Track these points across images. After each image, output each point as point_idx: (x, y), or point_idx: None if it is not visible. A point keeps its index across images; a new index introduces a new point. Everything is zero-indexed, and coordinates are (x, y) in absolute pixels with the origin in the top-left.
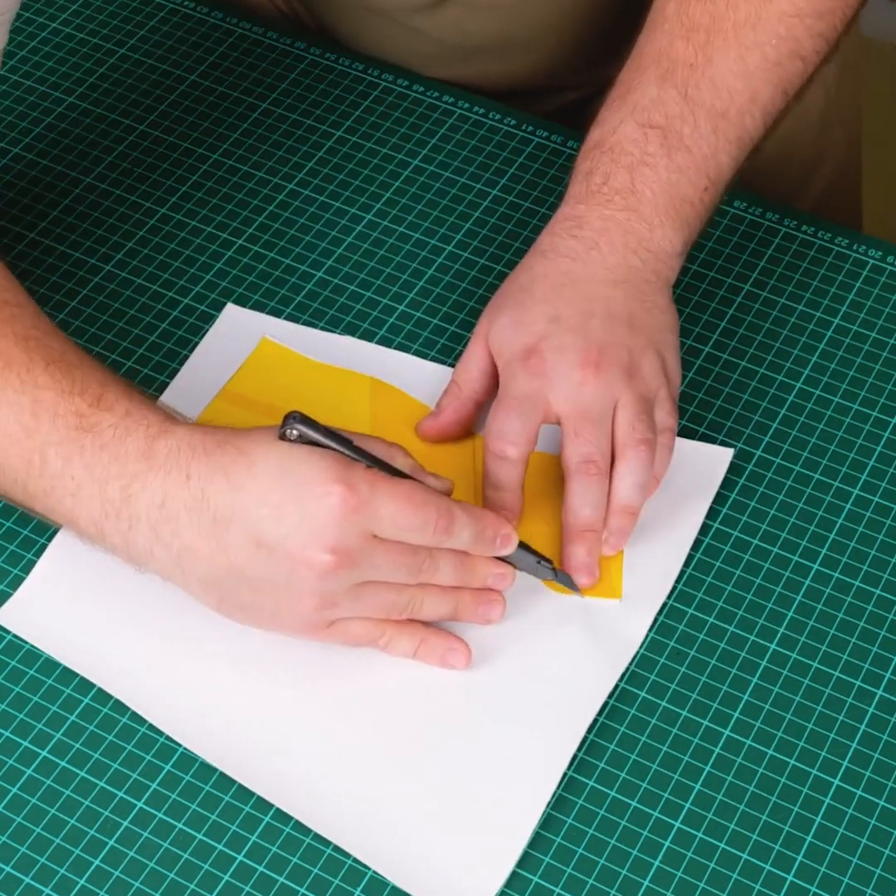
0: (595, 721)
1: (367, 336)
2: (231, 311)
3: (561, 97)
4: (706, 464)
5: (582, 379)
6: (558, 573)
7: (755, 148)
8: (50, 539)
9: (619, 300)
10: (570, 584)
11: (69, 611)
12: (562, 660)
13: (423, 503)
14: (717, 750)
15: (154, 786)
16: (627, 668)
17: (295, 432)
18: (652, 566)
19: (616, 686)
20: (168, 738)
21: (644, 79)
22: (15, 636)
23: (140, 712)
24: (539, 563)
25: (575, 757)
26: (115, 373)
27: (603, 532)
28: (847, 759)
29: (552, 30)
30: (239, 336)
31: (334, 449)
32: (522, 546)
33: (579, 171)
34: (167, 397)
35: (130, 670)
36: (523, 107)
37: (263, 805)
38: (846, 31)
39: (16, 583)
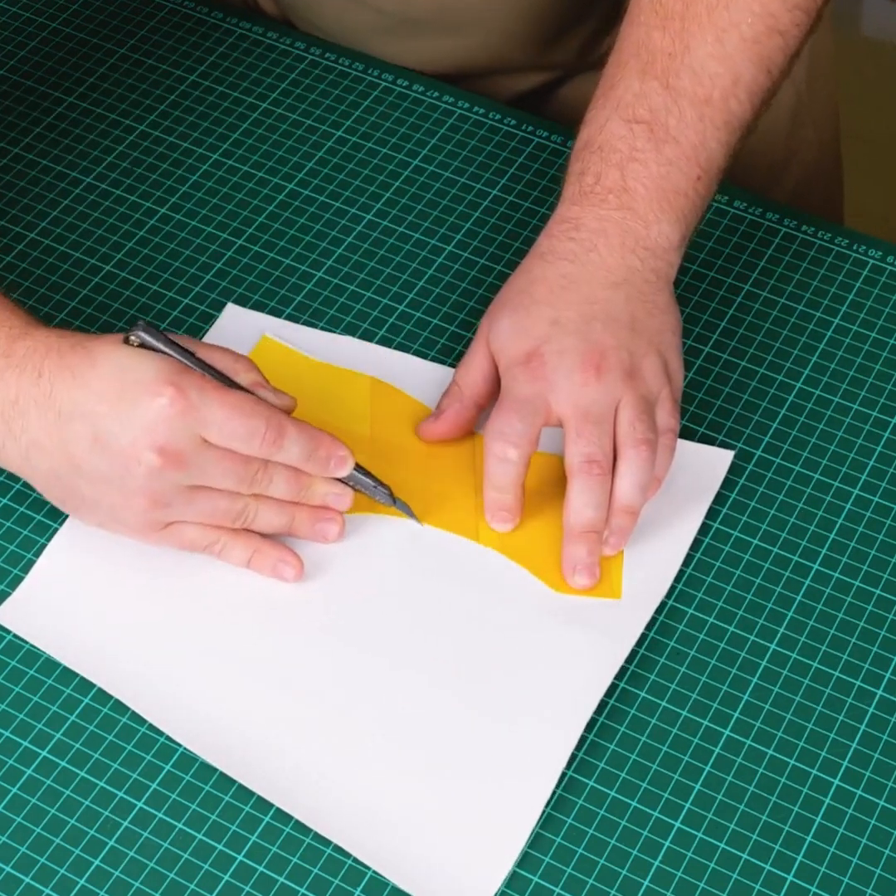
0: (595, 721)
1: (367, 336)
2: (232, 310)
3: (515, 82)
4: (706, 466)
5: (583, 381)
6: (396, 500)
7: (747, 129)
8: (50, 539)
9: (619, 302)
10: (408, 512)
11: (68, 610)
12: (559, 659)
13: (252, 413)
14: (717, 750)
15: (154, 786)
16: (627, 669)
17: (137, 339)
18: (650, 567)
19: (616, 686)
20: (168, 738)
21: (626, 73)
22: (15, 636)
23: (139, 712)
24: (375, 487)
25: (575, 757)
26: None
27: (604, 532)
28: (847, 759)
29: (498, 4)
30: (239, 335)
31: (174, 357)
32: (359, 469)
33: (572, 172)
34: None
35: (129, 670)
36: (480, 91)
37: (263, 805)
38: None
39: (15, 583)
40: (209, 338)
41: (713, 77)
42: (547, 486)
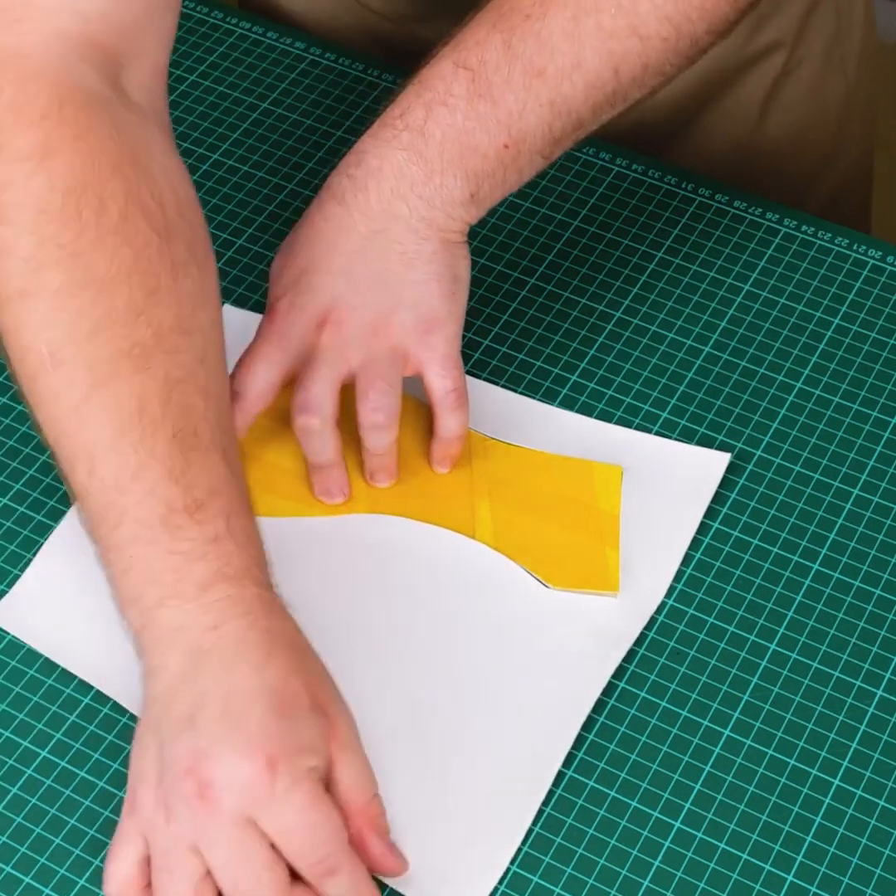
0: (595, 721)
1: None
2: (228, 312)
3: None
4: (702, 468)
5: (315, 340)
6: None
7: (577, 121)
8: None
9: (372, 253)
10: None
11: (62, 610)
12: (557, 660)
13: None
14: (717, 750)
15: None
16: (627, 669)
17: None
18: (648, 568)
19: (616, 686)
20: None
21: (481, 20)
22: (15, 636)
23: (133, 710)
24: None
25: (574, 757)
26: (237, 469)
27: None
28: (847, 760)
29: None
30: (235, 337)
31: None
32: None
33: (392, 100)
34: None
35: (121, 666)
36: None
37: None
38: (718, 34)
39: (15, 582)
40: None
41: (555, 52)
42: (544, 484)
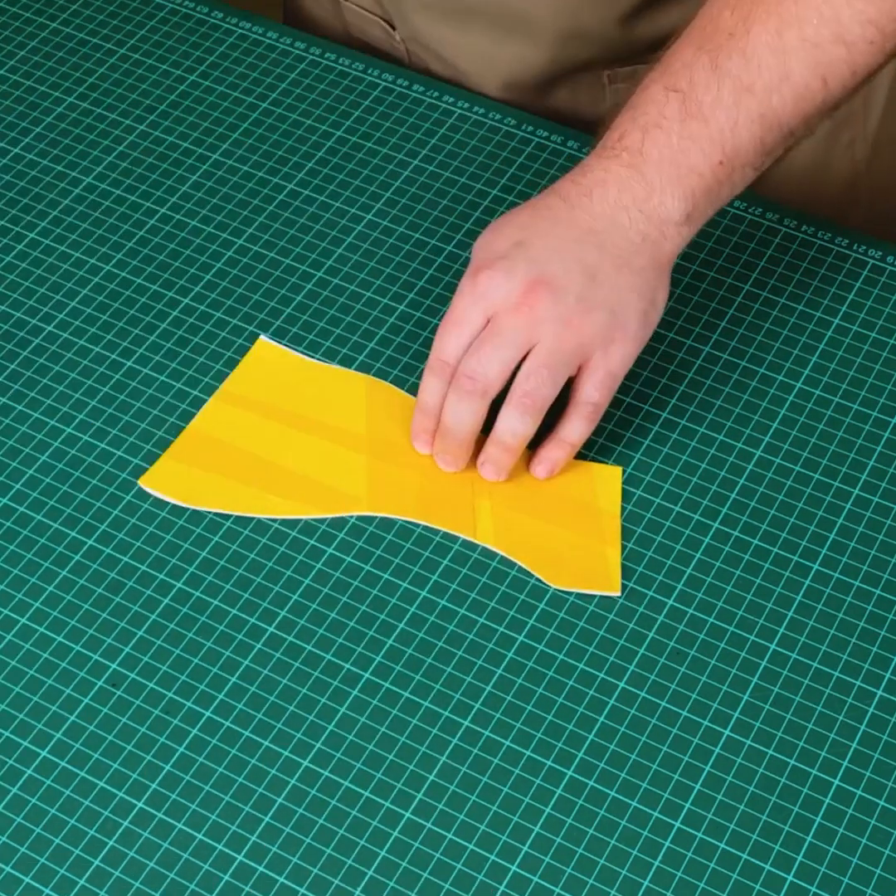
0: (595, 721)
1: (367, 336)
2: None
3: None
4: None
5: (517, 306)
6: None
7: (787, 132)
8: (49, 538)
9: (590, 248)
10: None
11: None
12: None
13: None
14: (717, 750)
15: (154, 786)
16: (627, 669)
17: None
18: None
19: (616, 686)
20: (168, 738)
21: (685, 43)
22: (13, 637)
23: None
24: None
25: (574, 757)
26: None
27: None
28: (847, 760)
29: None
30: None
31: None
32: None
33: (609, 126)
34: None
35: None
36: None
37: (263, 805)
38: None
39: (15, 582)
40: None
41: (762, 67)
42: (544, 484)
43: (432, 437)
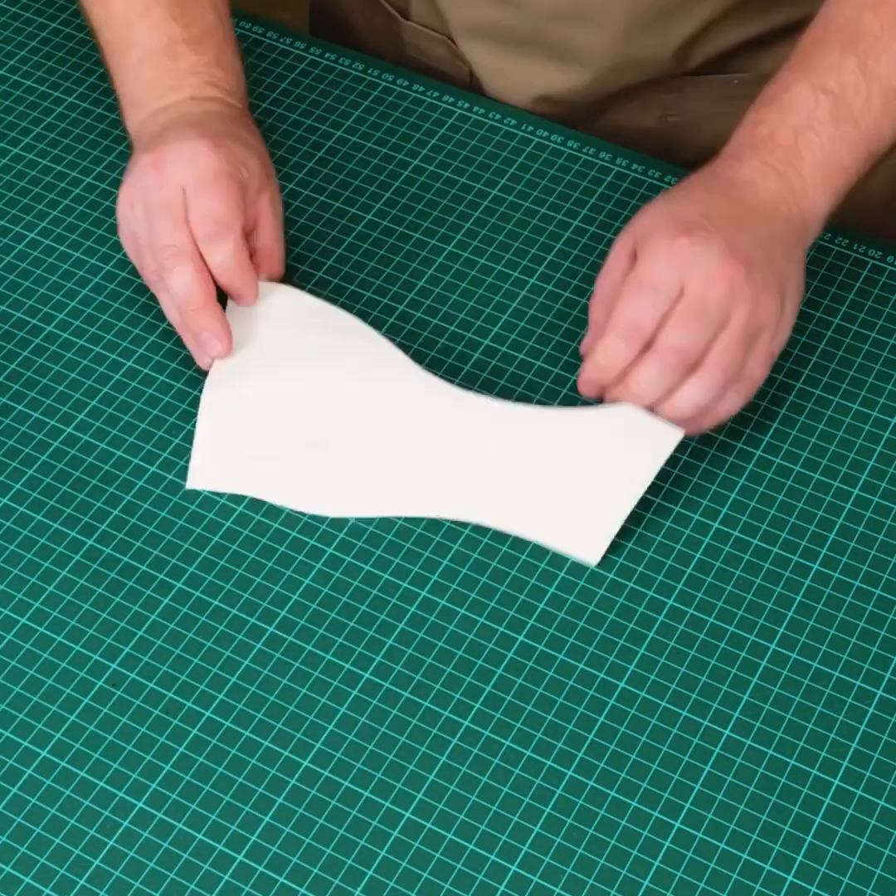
0: (595, 720)
1: None
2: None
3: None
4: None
5: (716, 279)
6: None
7: None
8: (49, 537)
9: (764, 232)
10: None
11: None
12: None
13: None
14: (717, 750)
15: (154, 786)
16: (627, 669)
17: None
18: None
19: (616, 686)
20: (168, 738)
21: (827, 45)
22: (13, 637)
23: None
24: None
25: (574, 757)
26: (224, 19)
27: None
28: (847, 760)
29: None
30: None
31: None
32: None
33: (747, 122)
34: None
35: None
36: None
37: (263, 805)
38: None
39: (14, 582)
40: None
41: None
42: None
43: (603, 391)
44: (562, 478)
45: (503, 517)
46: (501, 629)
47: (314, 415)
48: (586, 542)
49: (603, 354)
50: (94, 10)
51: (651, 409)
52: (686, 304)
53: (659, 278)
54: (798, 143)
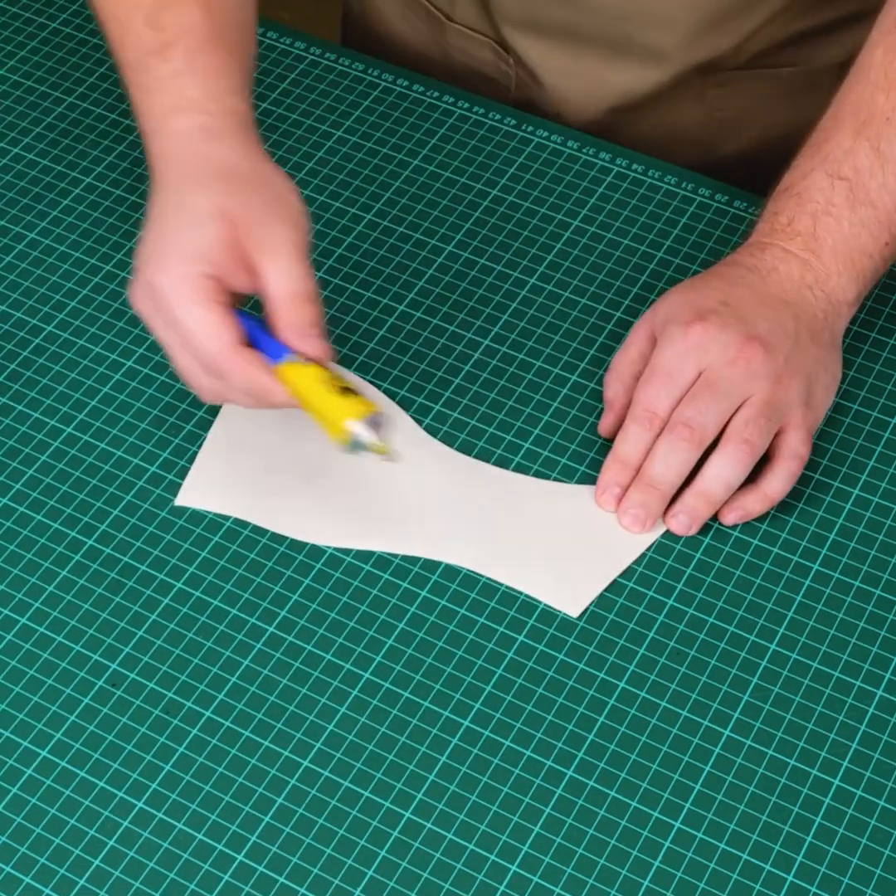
0: (595, 721)
1: (367, 336)
2: None
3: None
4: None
5: (732, 360)
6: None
7: None
8: (50, 538)
9: (788, 317)
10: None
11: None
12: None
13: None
14: (717, 750)
15: (154, 786)
16: (627, 669)
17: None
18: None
19: (616, 686)
20: (168, 738)
21: (840, 128)
22: (13, 637)
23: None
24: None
25: (574, 757)
26: (216, 12)
27: (674, 506)
28: (847, 760)
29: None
30: None
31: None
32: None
33: (767, 211)
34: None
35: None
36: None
37: (263, 805)
38: None
39: (13, 576)
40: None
41: None
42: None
43: (624, 491)
44: (552, 539)
45: (488, 565)
46: (501, 629)
47: (313, 458)
48: (568, 599)
49: (621, 447)
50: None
51: (683, 496)
52: (700, 384)
53: (674, 365)
54: (817, 229)
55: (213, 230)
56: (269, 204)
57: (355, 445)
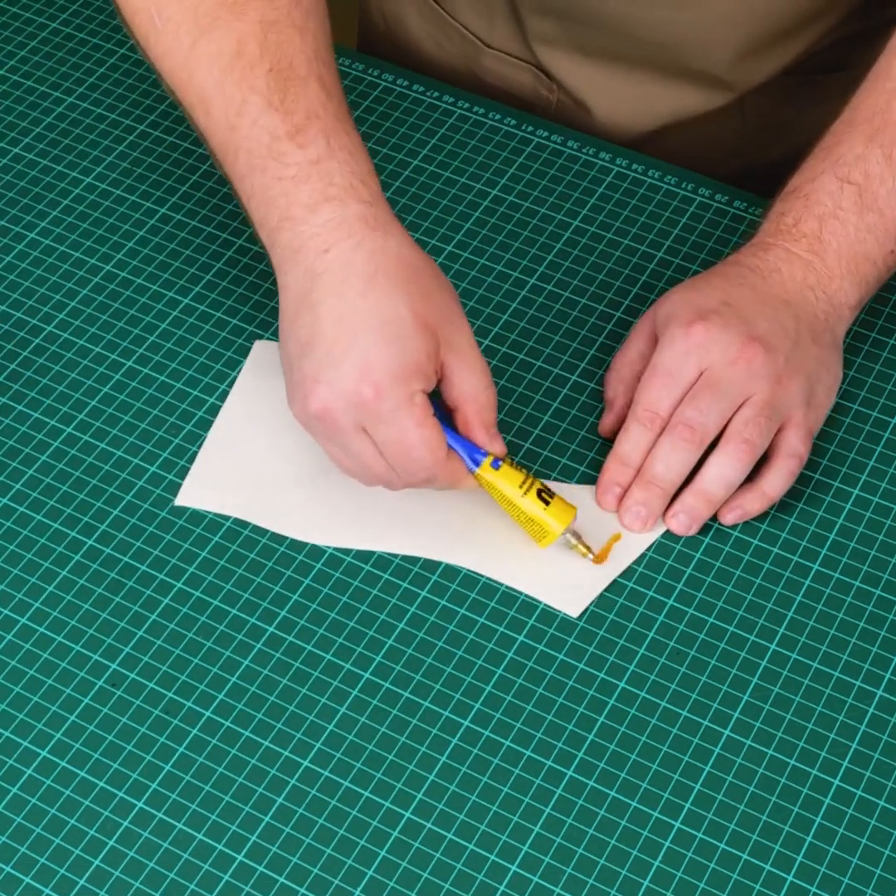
0: (595, 721)
1: None
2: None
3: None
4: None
5: (733, 360)
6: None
7: None
8: (49, 539)
9: (789, 317)
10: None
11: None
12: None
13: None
14: (717, 750)
15: (154, 786)
16: (627, 669)
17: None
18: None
19: (616, 686)
20: (168, 738)
21: (853, 134)
22: (13, 637)
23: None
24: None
25: (574, 756)
26: (336, 94)
27: (675, 505)
28: (847, 760)
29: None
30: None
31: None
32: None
33: (773, 212)
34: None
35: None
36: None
37: (263, 805)
38: None
39: (14, 575)
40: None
41: None
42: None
43: (624, 490)
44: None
45: (488, 565)
46: (501, 629)
47: (313, 458)
48: (568, 599)
49: (622, 447)
50: (196, 119)
51: (683, 496)
52: (701, 384)
53: (675, 365)
54: (823, 231)
55: (423, 344)
56: (450, 303)
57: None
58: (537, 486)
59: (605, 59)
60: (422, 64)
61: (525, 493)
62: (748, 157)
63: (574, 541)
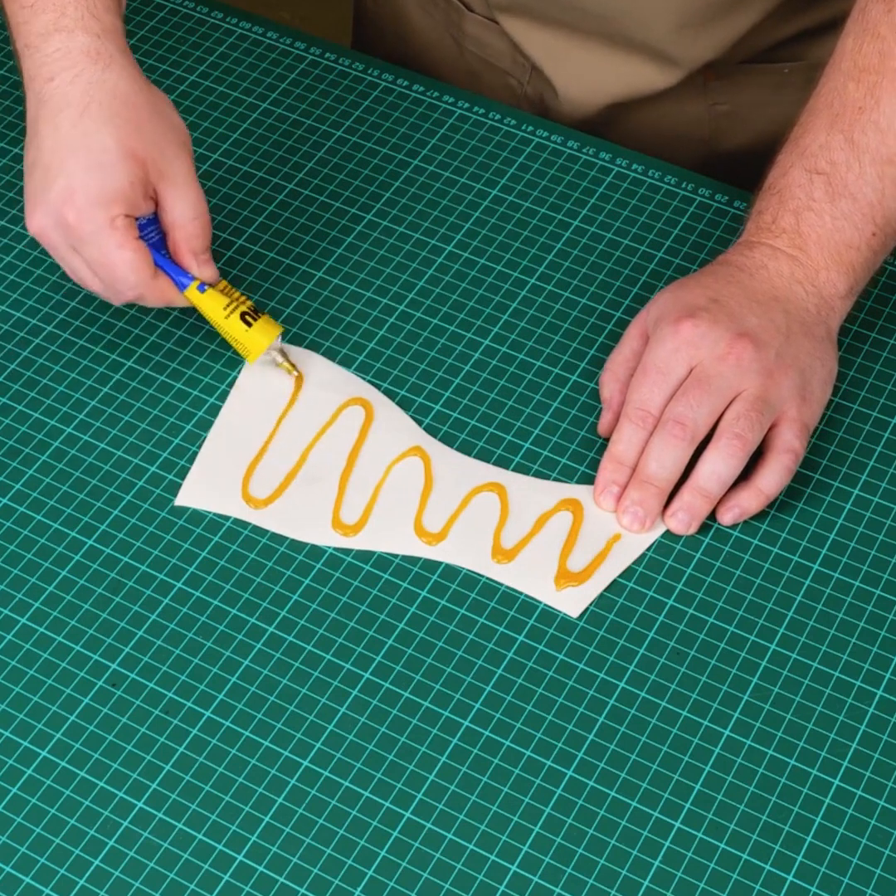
0: (595, 721)
1: (367, 336)
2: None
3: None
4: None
5: (722, 356)
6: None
7: None
8: (51, 539)
9: (779, 312)
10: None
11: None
12: None
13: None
14: (717, 750)
15: (154, 786)
16: (627, 669)
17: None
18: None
19: (616, 686)
20: (168, 738)
21: (816, 122)
22: (13, 637)
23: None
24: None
25: (574, 757)
26: None
27: (673, 504)
28: (847, 760)
29: None
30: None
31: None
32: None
33: (753, 210)
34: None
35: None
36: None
37: (263, 805)
38: None
39: (11, 576)
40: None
41: None
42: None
43: (622, 490)
44: (551, 539)
45: (488, 565)
46: (501, 629)
47: (313, 458)
48: (568, 600)
49: (616, 446)
50: None
51: (680, 494)
52: (690, 380)
53: (665, 362)
54: (800, 225)
55: (126, 173)
56: (166, 135)
57: (265, 362)
58: (242, 308)
59: (560, 28)
60: (408, 40)
61: (228, 316)
62: (714, 144)
63: (280, 359)
